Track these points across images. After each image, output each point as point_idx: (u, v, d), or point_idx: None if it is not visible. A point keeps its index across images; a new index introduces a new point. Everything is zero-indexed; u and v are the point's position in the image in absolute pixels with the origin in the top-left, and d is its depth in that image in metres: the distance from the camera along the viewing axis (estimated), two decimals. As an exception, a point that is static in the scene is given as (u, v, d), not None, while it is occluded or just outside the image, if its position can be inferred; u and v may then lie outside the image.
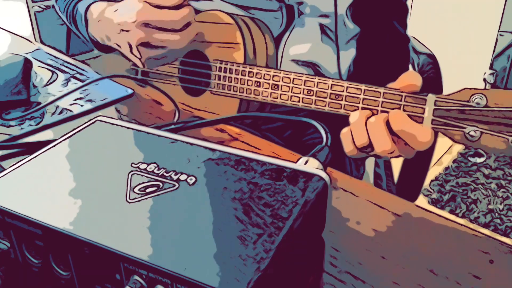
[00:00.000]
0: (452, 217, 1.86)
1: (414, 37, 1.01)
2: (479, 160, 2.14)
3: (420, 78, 0.64)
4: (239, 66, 0.77)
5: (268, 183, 0.42)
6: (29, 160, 0.46)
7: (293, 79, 0.72)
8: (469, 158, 2.15)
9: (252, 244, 0.36)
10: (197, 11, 0.86)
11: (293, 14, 0.83)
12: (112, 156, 0.47)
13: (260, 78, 0.75)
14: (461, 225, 0.50)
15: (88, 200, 0.41)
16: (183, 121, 0.64)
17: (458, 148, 2.22)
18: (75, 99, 0.73)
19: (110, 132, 0.50)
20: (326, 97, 0.69)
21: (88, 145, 0.48)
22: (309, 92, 0.71)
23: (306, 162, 0.47)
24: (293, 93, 0.72)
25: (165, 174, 0.43)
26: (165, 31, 0.74)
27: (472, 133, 0.60)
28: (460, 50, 2.23)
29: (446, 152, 2.23)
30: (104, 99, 0.73)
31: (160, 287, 0.34)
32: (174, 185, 0.42)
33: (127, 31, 0.76)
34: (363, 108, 0.67)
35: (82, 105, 0.72)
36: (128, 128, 0.51)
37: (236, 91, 0.79)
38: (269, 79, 0.74)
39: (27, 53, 0.87)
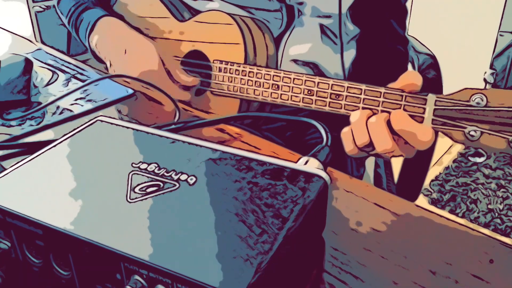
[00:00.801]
0: (452, 217, 1.86)
1: (414, 37, 1.01)
2: (479, 159, 2.14)
3: (421, 78, 0.64)
4: (239, 66, 0.78)
5: (269, 183, 0.42)
6: (29, 160, 0.46)
7: (294, 79, 0.72)
8: (469, 157, 2.15)
9: (253, 244, 0.36)
10: (197, 11, 0.86)
11: (293, 14, 0.83)
12: (112, 156, 0.47)
13: (261, 78, 0.75)
14: (461, 225, 0.50)
15: (88, 200, 0.41)
16: (183, 121, 0.64)
17: (458, 148, 2.22)
18: (76, 99, 0.73)
19: (110, 132, 0.50)
20: (326, 97, 0.69)
21: (89, 145, 0.48)
22: (309, 92, 0.71)
23: (307, 162, 0.47)
24: (294, 93, 0.72)
25: (165, 174, 0.43)
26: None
27: (472, 132, 0.60)
28: (460, 50, 2.23)
29: (446, 152, 2.23)
30: (104, 99, 0.73)
31: (161, 286, 0.34)
32: (175, 185, 0.42)
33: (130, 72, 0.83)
34: (363, 108, 0.67)
35: (82, 105, 0.72)
36: (128, 128, 0.51)
37: (237, 91, 0.79)
38: (270, 79, 0.74)
39: (27, 53, 0.87)
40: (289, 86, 0.73)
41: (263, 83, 0.75)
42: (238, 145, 0.63)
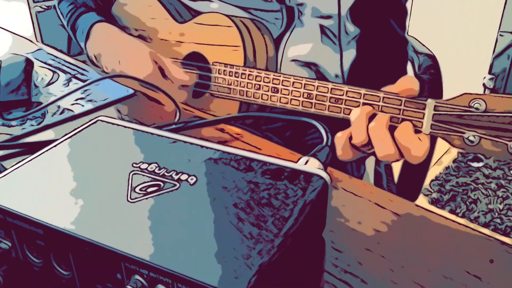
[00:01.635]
0: (452, 216, 1.86)
1: (414, 37, 1.01)
2: (478, 165, 2.14)
3: (418, 83, 0.64)
4: (238, 69, 0.78)
5: (269, 183, 0.42)
6: (30, 160, 0.46)
7: (293, 82, 0.72)
8: (468, 162, 2.15)
9: (253, 244, 0.36)
10: (197, 13, 0.86)
11: (293, 15, 0.84)
12: (113, 156, 0.47)
13: (260, 81, 0.75)
14: (461, 224, 0.50)
15: (89, 200, 0.41)
16: (184, 121, 0.64)
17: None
18: (76, 99, 0.73)
19: (111, 132, 0.50)
20: (325, 101, 0.69)
21: (89, 145, 0.49)
22: (308, 95, 0.71)
23: (307, 162, 0.47)
24: (293, 96, 0.72)
25: (166, 174, 0.43)
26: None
27: (471, 138, 0.60)
28: (460, 50, 2.23)
29: (446, 152, 2.23)
30: (105, 99, 0.73)
31: (161, 286, 0.35)
32: (175, 185, 0.42)
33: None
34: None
35: (83, 105, 0.72)
36: (129, 128, 0.51)
37: (236, 94, 0.79)
38: (269, 82, 0.74)
39: (28, 53, 0.88)
40: (288, 90, 0.73)
41: (263, 86, 0.75)
42: (239, 145, 0.63)
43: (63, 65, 0.84)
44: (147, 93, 0.76)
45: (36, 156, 0.46)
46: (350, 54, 0.88)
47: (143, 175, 0.43)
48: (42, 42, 2.16)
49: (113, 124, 0.52)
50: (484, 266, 0.45)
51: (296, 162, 0.47)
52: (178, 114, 0.68)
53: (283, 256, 0.37)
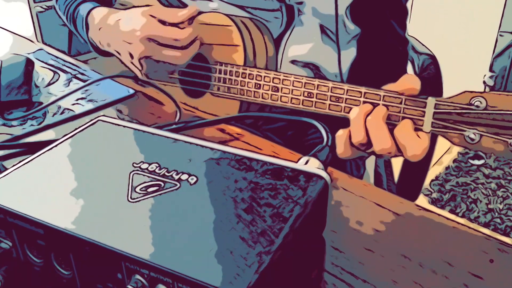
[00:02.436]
0: (452, 216, 1.86)
1: (414, 37, 1.01)
2: (479, 162, 2.14)
3: (419, 82, 0.64)
4: (239, 68, 0.78)
5: (269, 183, 0.42)
6: (31, 160, 0.46)
7: (293, 81, 0.72)
8: (469, 160, 2.15)
9: (253, 244, 0.36)
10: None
11: (293, 14, 0.84)
12: (113, 156, 0.47)
13: (260, 80, 0.75)
14: (461, 224, 0.50)
15: (89, 199, 0.41)
16: (184, 121, 0.65)
17: (458, 148, 2.22)
18: (77, 99, 0.73)
19: (111, 132, 0.51)
20: (326, 100, 0.70)
21: (90, 145, 0.49)
22: (309, 94, 0.71)
23: (307, 162, 0.47)
24: (293, 95, 0.72)
25: (166, 173, 0.43)
26: (168, 47, 0.75)
27: (472, 136, 0.60)
28: (460, 50, 2.23)
29: (446, 152, 2.23)
30: (105, 99, 0.73)
31: (162, 286, 0.35)
32: (176, 185, 0.42)
33: (130, 43, 0.77)
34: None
35: (83, 105, 0.72)
36: (129, 128, 0.51)
37: (236, 93, 0.79)
38: (269, 82, 0.74)
39: (29, 54, 0.88)
40: (288, 89, 0.73)
41: (263, 85, 0.75)
42: (239, 145, 0.63)
43: (64, 65, 0.84)
44: (147, 93, 0.76)
45: (37, 156, 0.46)
46: (349, 53, 0.88)
47: (144, 175, 0.43)
48: (43, 42, 2.16)
49: (113, 124, 0.52)
50: (484, 266, 0.45)
51: (296, 162, 0.47)
52: (178, 114, 0.68)
53: (284, 256, 0.37)
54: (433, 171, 2.12)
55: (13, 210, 0.39)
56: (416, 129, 0.64)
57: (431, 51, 1.00)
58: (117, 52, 0.82)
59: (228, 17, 0.80)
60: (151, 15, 0.76)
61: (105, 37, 0.84)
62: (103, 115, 0.53)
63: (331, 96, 0.69)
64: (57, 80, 0.79)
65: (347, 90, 0.68)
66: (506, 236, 1.81)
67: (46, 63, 0.85)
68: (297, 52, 0.84)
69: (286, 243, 0.37)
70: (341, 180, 0.57)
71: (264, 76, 0.75)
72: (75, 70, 0.83)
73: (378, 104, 0.65)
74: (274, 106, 0.78)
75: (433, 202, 1.98)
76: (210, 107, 0.83)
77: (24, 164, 0.45)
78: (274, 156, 0.46)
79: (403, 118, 0.64)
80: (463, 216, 1.90)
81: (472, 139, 0.60)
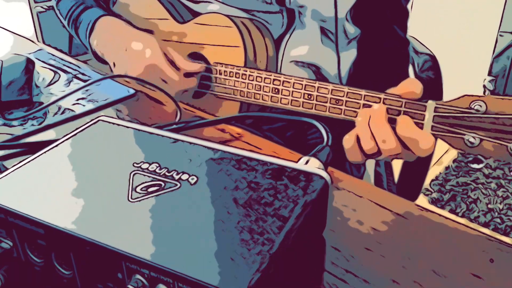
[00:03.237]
0: (452, 216, 1.86)
1: (414, 38, 1.01)
2: (478, 166, 2.14)
3: (421, 86, 0.64)
4: (239, 70, 0.78)
5: (269, 183, 0.43)
6: (31, 160, 0.46)
7: (294, 83, 0.72)
8: (468, 164, 2.15)
9: (253, 243, 0.36)
10: (197, 14, 0.86)
11: (293, 16, 0.84)
12: (114, 155, 0.47)
13: (261, 82, 0.75)
14: (461, 224, 0.50)
15: (90, 199, 0.41)
16: (184, 121, 0.65)
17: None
18: (77, 99, 0.73)
19: (112, 132, 0.51)
20: (326, 102, 0.70)
21: (90, 145, 0.49)
22: (309, 96, 0.71)
23: (307, 161, 0.47)
24: (294, 97, 0.73)
25: (166, 173, 0.43)
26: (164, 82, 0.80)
27: (471, 139, 0.60)
28: (460, 50, 2.23)
29: (446, 152, 2.23)
30: (106, 99, 0.73)
31: (162, 286, 0.35)
32: (176, 185, 0.42)
33: (132, 62, 0.82)
34: None
35: (84, 105, 0.72)
36: (130, 128, 0.51)
37: (237, 94, 0.79)
38: (270, 83, 0.75)
39: (29, 54, 0.88)
40: (289, 91, 0.73)
41: (263, 86, 0.75)
42: (239, 145, 0.63)
43: (64, 65, 0.84)
44: (148, 93, 0.76)
45: (37, 156, 0.46)
46: (349, 55, 0.88)
47: (144, 175, 0.43)
48: (43, 42, 2.17)
49: (114, 124, 0.52)
50: (484, 265, 0.45)
51: (296, 162, 0.47)
52: (178, 114, 0.68)
53: (284, 256, 0.37)
54: (433, 171, 2.12)
55: (13, 210, 0.39)
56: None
57: (431, 51, 1.00)
58: (113, 63, 0.84)
59: (228, 18, 0.80)
60: (164, 51, 0.81)
61: (107, 47, 0.86)
62: (104, 115, 0.53)
63: (331, 98, 0.69)
64: (58, 80, 0.79)
65: (347, 92, 0.68)
66: (506, 236, 1.81)
67: (46, 63, 0.85)
68: (297, 53, 0.84)
69: (286, 243, 0.37)
70: (341, 180, 0.57)
71: (265, 78, 0.75)
72: (75, 70, 0.83)
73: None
74: (274, 107, 0.78)
75: (433, 202, 1.98)
76: (210, 108, 0.83)
77: (24, 164, 0.45)
78: (274, 156, 0.46)
79: None
80: (463, 216, 1.90)
81: (472, 143, 0.60)
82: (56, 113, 0.70)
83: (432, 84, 0.97)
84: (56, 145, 0.48)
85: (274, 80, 0.74)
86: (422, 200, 1.97)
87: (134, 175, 0.43)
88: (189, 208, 0.40)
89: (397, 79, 0.66)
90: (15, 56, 0.83)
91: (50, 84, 0.78)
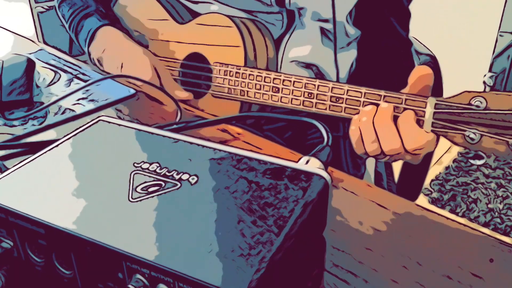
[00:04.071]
0: (452, 216, 1.86)
1: (414, 38, 1.01)
2: (479, 162, 2.14)
3: (430, 69, 0.64)
4: (239, 69, 0.78)
5: (270, 183, 0.43)
6: (32, 160, 0.46)
7: (294, 82, 0.72)
8: (469, 160, 2.15)
9: (254, 243, 0.36)
10: (197, 14, 0.86)
11: (293, 16, 0.84)
12: (114, 155, 0.47)
13: (261, 81, 0.75)
14: (461, 224, 0.50)
15: (90, 199, 0.41)
16: (185, 121, 0.65)
17: (458, 148, 2.22)
18: (78, 99, 0.73)
19: (112, 132, 0.51)
20: (326, 100, 0.70)
21: (91, 145, 0.49)
22: (309, 95, 0.71)
23: (307, 161, 0.48)
24: (294, 96, 0.73)
25: (167, 173, 0.44)
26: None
27: (472, 135, 0.60)
28: (460, 50, 2.23)
29: (446, 152, 2.23)
30: (106, 99, 0.73)
31: (162, 285, 0.35)
32: (176, 185, 0.42)
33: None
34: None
35: (84, 105, 0.72)
36: (130, 128, 0.51)
37: (237, 94, 0.79)
38: (270, 82, 0.75)
39: (30, 54, 0.88)
40: (289, 89, 0.73)
41: (264, 86, 0.75)
42: (240, 145, 0.63)
43: (65, 65, 0.84)
44: (148, 93, 0.76)
45: (38, 156, 0.46)
46: (349, 56, 0.88)
47: (145, 175, 0.43)
48: (44, 42, 2.17)
49: (114, 124, 0.52)
50: (484, 265, 0.45)
51: (296, 162, 0.47)
52: (179, 114, 0.68)
53: (284, 256, 0.37)
54: (433, 171, 2.12)
55: (14, 210, 0.39)
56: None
57: (431, 51, 1.00)
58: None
59: (228, 18, 0.80)
60: (157, 70, 0.81)
61: (105, 60, 0.87)
62: (104, 115, 0.53)
63: (331, 96, 0.69)
64: (58, 80, 0.79)
65: (348, 90, 0.68)
66: (506, 235, 1.81)
67: (47, 63, 0.85)
68: (297, 53, 0.84)
69: (287, 242, 0.37)
70: (341, 179, 0.57)
71: (265, 77, 0.75)
72: (76, 70, 0.83)
73: (379, 105, 0.66)
74: (274, 107, 0.78)
75: (433, 201, 1.98)
76: (211, 108, 0.83)
77: (25, 164, 0.45)
78: (274, 156, 0.46)
79: None
80: (463, 216, 1.90)
81: (473, 139, 0.60)
82: (56, 113, 0.70)
83: (432, 84, 0.97)
84: (57, 145, 0.48)
85: (274, 79, 0.74)
86: (422, 200, 1.97)
87: (134, 175, 0.43)
88: (190, 208, 0.40)
89: (402, 80, 0.66)
90: (16, 56, 0.83)
91: (50, 84, 0.78)
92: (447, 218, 0.51)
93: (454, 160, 2.19)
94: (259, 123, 0.87)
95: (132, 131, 0.51)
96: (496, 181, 2.06)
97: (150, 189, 0.42)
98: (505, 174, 2.09)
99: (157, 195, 0.41)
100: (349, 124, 0.70)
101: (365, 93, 0.67)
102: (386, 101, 0.65)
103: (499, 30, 2.22)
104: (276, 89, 0.74)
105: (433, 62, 0.99)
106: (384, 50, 0.89)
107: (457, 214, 1.91)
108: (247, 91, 0.77)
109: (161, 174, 0.43)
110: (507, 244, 0.48)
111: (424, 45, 1.01)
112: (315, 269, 0.45)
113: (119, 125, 0.52)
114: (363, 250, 0.47)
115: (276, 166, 0.45)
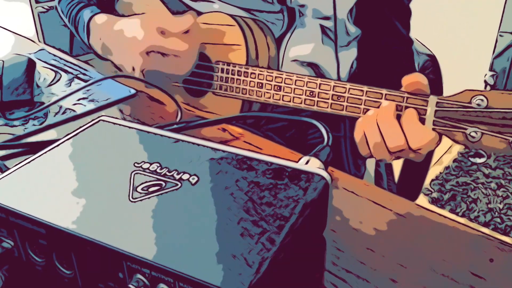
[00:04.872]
0: (453, 216, 1.86)
1: (414, 38, 1.01)
2: (479, 160, 2.14)
3: (424, 77, 0.64)
4: (241, 68, 0.78)
5: (270, 183, 0.43)
6: (32, 160, 0.46)
7: (295, 80, 0.72)
8: (469, 158, 2.15)
9: (254, 243, 0.36)
10: (199, 13, 0.86)
11: (294, 15, 0.84)
12: (115, 155, 0.47)
13: (263, 79, 0.75)
14: (461, 224, 0.50)
15: (91, 199, 0.41)
16: (185, 120, 0.65)
17: (458, 147, 2.22)
18: (78, 99, 0.73)
19: (113, 132, 0.51)
20: (328, 99, 0.70)
21: (91, 145, 0.49)
22: (311, 93, 0.71)
23: (308, 161, 0.48)
24: (295, 94, 0.73)
25: (167, 173, 0.44)
26: (169, 58, 0.76)
27: (473, 134, 0.60)
28: (460, 50, 2.23)
29: (446, 152, 2.23)
30: (107, 99, 0.73)
31: (163, 285, 0.35)
32: (177, 185, 0.42)
33: (130, 56, 0.78)
34: (365, 110, 0.67)
35: (85, 105, 0.72)
36: (130, 128, 0.51)
37: (239, 93, 0.79)
38: (271, 81, 0.75)
39: (30, 54, 0.88)
40: (291, 88, 0.73)
41: (265, 84, 0.75)
42: (240, 145, 0.63)
43: (65, 65, 0.84)
44: (148, 93, 0.76)
45: (38, 156, 0.46)
46: (350, 55, 0.88)
47: (145, 175, 0.43)
48: (44, 42, 2.17)
49: (115, 124, 0.52)
50: (484, 265, 0.45)
51: (297, 162, 0.47)
52: (179, 114, 0.68)
53: (285, 256, 0.37)
54: (433, 171, 2.12)
55: (15, 210, 0.39)
56: None
57: (431, 51, 1.00)
58: (120, 64, 0.83)
59: (230, 17, 0.80)
60: (150, 26, 0.76)
61: (107, 47, 0.85)
62: (104, 115, 0.53)
63: (333, 95, 0.69)
64: (59, 80, 0.80)
65: (349, 88, 0.68)
66: (506, 235, 1.81)
67: (47, 63, 0.85)
68: (298, 52, 0.84)
69: (287, 242, 0.37)
70: (341, 179, 0.57)
71: (266, 75, 0.75)
72: (76, 70, 0.83)
73: (380, 103, 0.66)
74: (275, 106, 0.78)
75: (433, 201, 1.98)
76: (212, 107, 0.83)
77: (25, 164, 0.45)
78: (275, 156, 0.46)
79: None
80: (463, 216, 1.90)
81: (473, 137, 0.60)
82: (57, 113, 0.70)
83: (432, 84, 0.97)
84: (57, 145, 0.48)
85: (276, 77, 0.74)
86: (422, 200, 1.97)
87: (135, 175, 0.43)
88: (190, 208, 0.40)
89: (401, 79, 0.66)
90: (16, 56, 0.83)
91: (51, 84, 0.78)
92: (447, 218, 0.51)
93: (454, 160, 2.19)
94: (259, 123, 0.87)
95: (132, 131, 0.51)
96: (496, 181, 2.06)
97: (151, 189, 0.42)
98: (505, 174, 2.09)
99: (158, 195, 0.41)
100: (350, 123, 0.70)
101: (366, 91, 0.67)
102: (387, 99, 0.65)
103: (499, 30, 2.22)
104: (278, 88, 0.74)
105: (432, 62, 0.99)
106: (385, 49, 0.89)
107: (457, 214, 1.91)
108: (249, 90, 0.78)
109: (162, 174, 0.44)
110: (507, 244, 0.48)
111: (424, 45, 1.02)
112: (316, 269, 0.45)
113: (120, 125, 0.52)
114: (364, 250, 0.47)
115: (277, 166, 0.45)
